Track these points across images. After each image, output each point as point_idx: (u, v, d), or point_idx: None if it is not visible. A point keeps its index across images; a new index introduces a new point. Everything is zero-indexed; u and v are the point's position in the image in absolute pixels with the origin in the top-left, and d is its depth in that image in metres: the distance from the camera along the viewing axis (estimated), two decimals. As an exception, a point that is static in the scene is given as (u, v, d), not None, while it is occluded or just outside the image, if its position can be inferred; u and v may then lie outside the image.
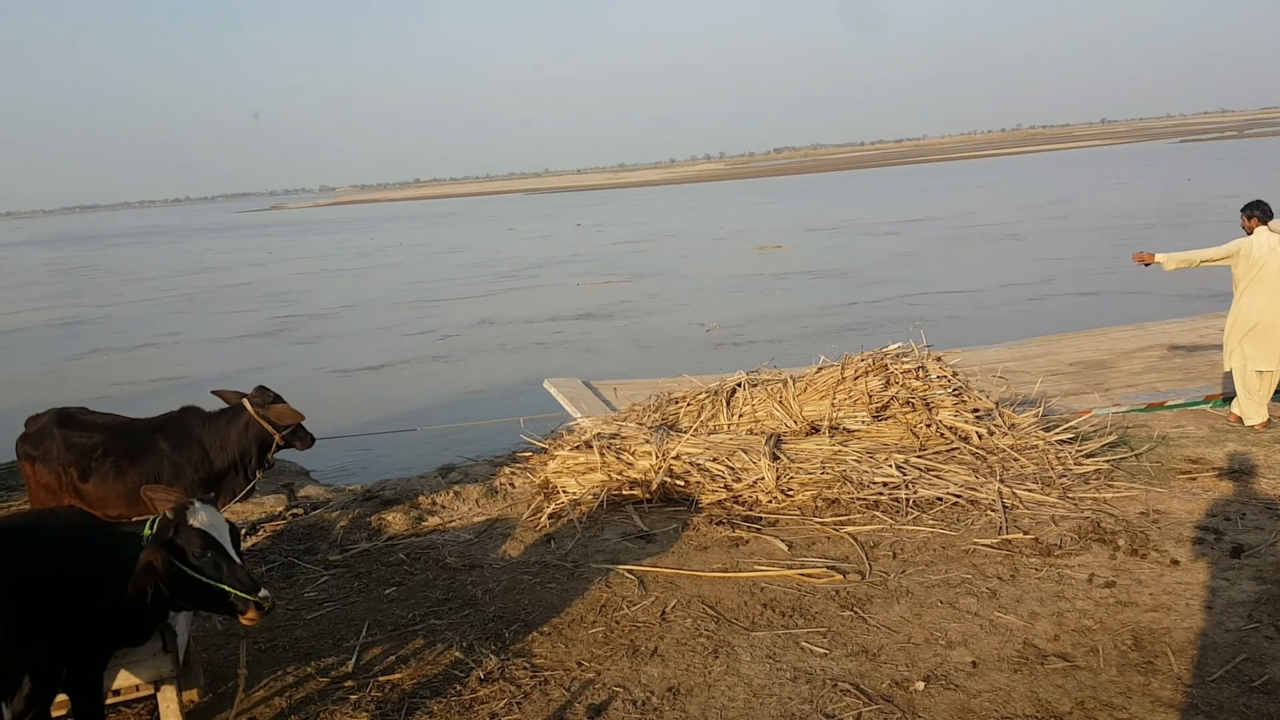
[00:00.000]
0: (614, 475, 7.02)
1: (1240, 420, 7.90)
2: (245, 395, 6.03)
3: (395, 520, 6.94)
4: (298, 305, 28.38)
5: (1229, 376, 8.07)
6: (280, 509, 7.52)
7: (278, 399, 6.03)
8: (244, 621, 3.54)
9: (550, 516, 6.71)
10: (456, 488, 7.60)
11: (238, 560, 3.56)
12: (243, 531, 6.90)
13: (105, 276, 45.50)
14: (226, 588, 3.46)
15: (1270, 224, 7.77)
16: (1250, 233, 7.78)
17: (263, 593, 3.52)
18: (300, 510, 7.46)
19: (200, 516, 3.50)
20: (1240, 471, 6.69)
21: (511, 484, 7.57)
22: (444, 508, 7.23)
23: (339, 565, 6.20)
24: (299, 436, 6.12)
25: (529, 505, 7.02)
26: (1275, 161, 55.59)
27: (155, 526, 3.49)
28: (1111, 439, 7.33)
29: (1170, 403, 8.77)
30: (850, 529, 6.09)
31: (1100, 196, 43.24)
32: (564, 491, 7.02)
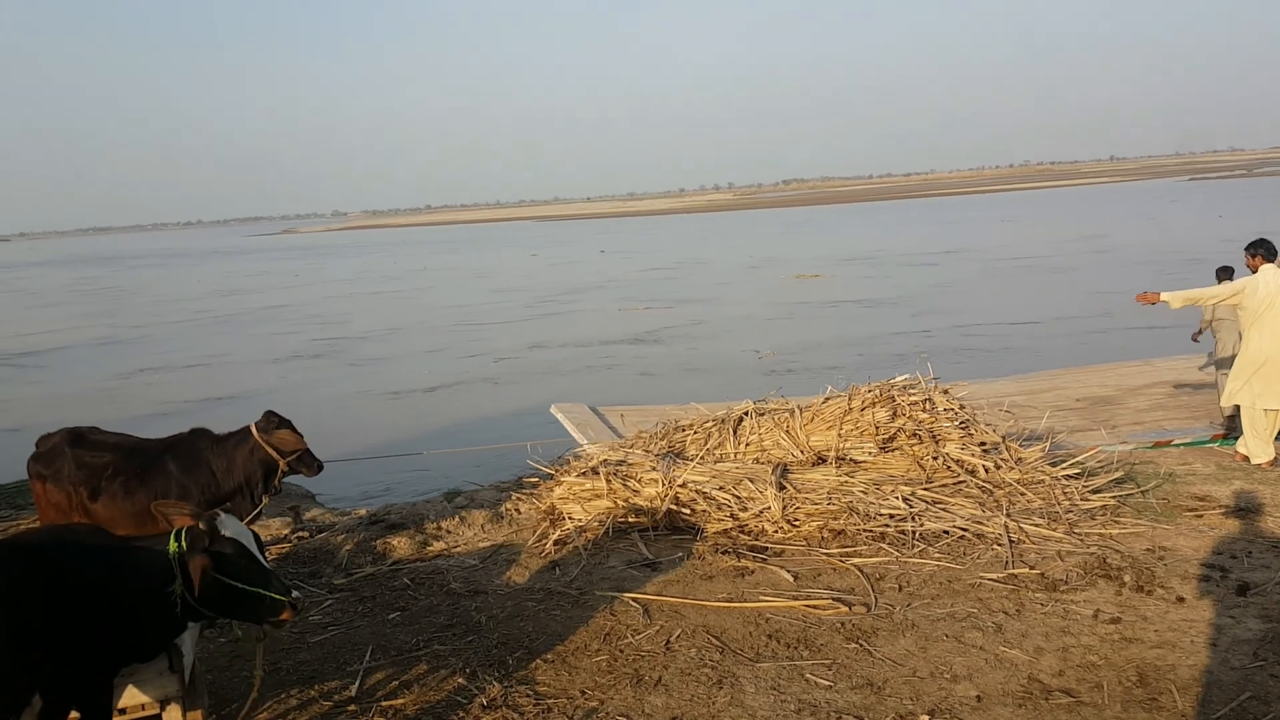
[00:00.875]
0: (620, 502, 7.03)
1: (1247, 459, 7.89)
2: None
3: (400, 545, 6.95)
4: (341, 328, 28.33)
5: (1233, 414, 8.08)
6: (286, 532, 7.54)
7: (283, 425, 6.02)
8: (277, 624, 3.65)
9: (556, 543, 6.71)
10: (462, 513, 7.62)
11: (266, 564, 3.67)
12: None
13: (134, 297, 45.63)
14: (263, 592, 3.57)
15: (1278, 262, 7.81)
16: (1255, 271, 7.81)
17: (295, 594, 3.66)
18: (306, 533, 7.48)
19: (229, 526, 3.61)
20: (1247, 510, 6.67)
21: (517, 509, 7.58)
22: (449, 533, 7.24)
23: (344, 589, 6.21)
24: (305, 463, 6.09)
25: (534, 531, 7.03)
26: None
27: (185, 538, 3.54)
28: (1118, 475, 7.32)
29: (1177, 441, 8.76)
30: (856, 561, 6.08)
31: (1137, 232, 42.98)
32: (570, 518, 7.03)
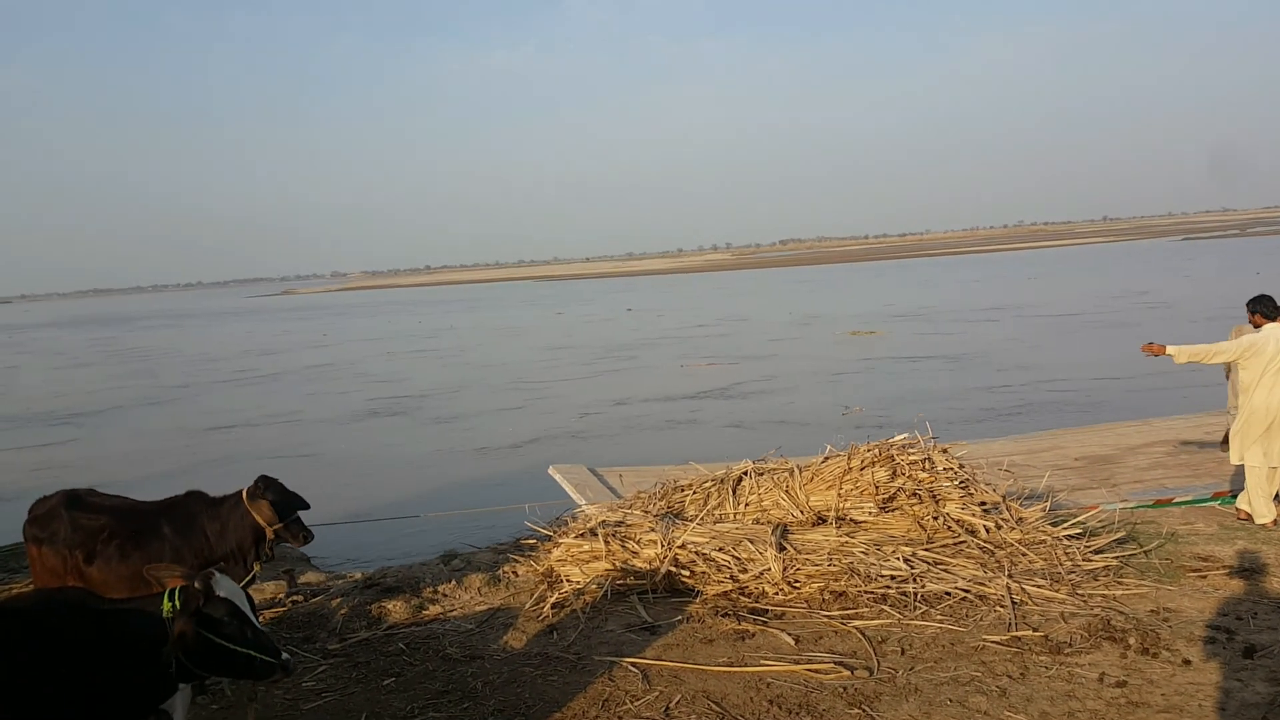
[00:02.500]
0: (618, 564, 6.96)
1: (1248, 517, 7.85)
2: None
3: (396, 609, 6.87)
4: (399, 385, 27.94)
5: (1238, 471, 8.05)
6: (280, 595, 7.46)
7: (271, 489, 5.82)
8: (266, 685, 3.63)
9: (553, 606, 6.63)
10: (459, 576, 7.54)
11: (259, 625, 3.65)
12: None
13: (165, 357, 45.31)
14: (254, 653, 3.56)
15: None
16: (1258, 328, 7.84)
17: (285, 655, 3.65)
18: (300, 597, 7.39)
19: (224, 586, 3.61)
20: (1251, 570, 6.61)
21: (515, 572, 7.50)
22: (445, 596, 7.16)
23: (338, 654, 6.12)
24: (292, 533, 5.86)
25: (532, 594, 6.95)
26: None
27: (179, 598, 3.51)
28: (1120, 535, 7.27)
29: (1178, 499, 8.71)
30: (858, 623, 6.01)
31: (1174, 288, 42.58)
32: (568, 580, 6.96)
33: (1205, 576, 6.57)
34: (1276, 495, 7.86)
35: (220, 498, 5.92)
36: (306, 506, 6.03)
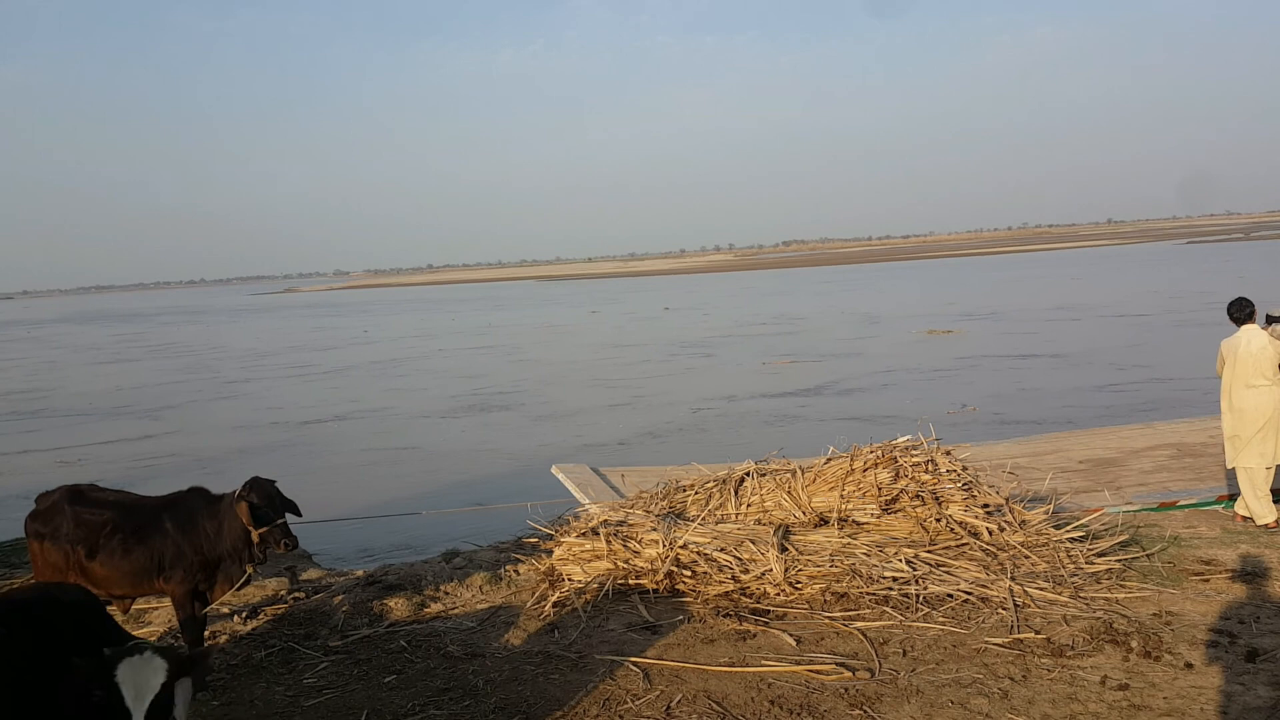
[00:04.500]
0: (620, 564, 6.96)
1: (1247, 519, 7.85)
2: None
3: (397, 606, 6.87)
4: (477, 382, 27.14)
5: (1233, 475, 8.07)
6: (282, 592, 7.46)
7: (249, 496, 5.68)
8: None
9: (554, 605, 6.63)
10: (461, 574, 7.54)
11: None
12: (243, 615, 6.84)
13: (211, 352, 44.24)
14: None
15: (1276, 328, 7.87)
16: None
17: None
18: (302, 594, 7.40)
19: (123, 670, 3.15)
20: (1253, 574, 6.60)
21: (516, 571, 7.50)
22: (447, 594, 7.16)
23: (339, 651, 6.12)
24: (273, 538, 5.72)
25: (533, 593, 6.95)
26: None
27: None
28: (1123, 538, 7.25)
29: (1182, 503, 8.70)
30: (860, 624, 6.00)
31: (1230, 288, 41.64)
32: (569, 579, 6.96)
33: (1208, 580, 6.55)
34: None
35: (219, 495, 5.87)
36: (297, 513, 5.92)
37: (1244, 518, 7.91)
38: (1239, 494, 8.00)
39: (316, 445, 19.01)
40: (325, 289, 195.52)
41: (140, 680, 3.12)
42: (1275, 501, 7.91)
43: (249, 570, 5.86)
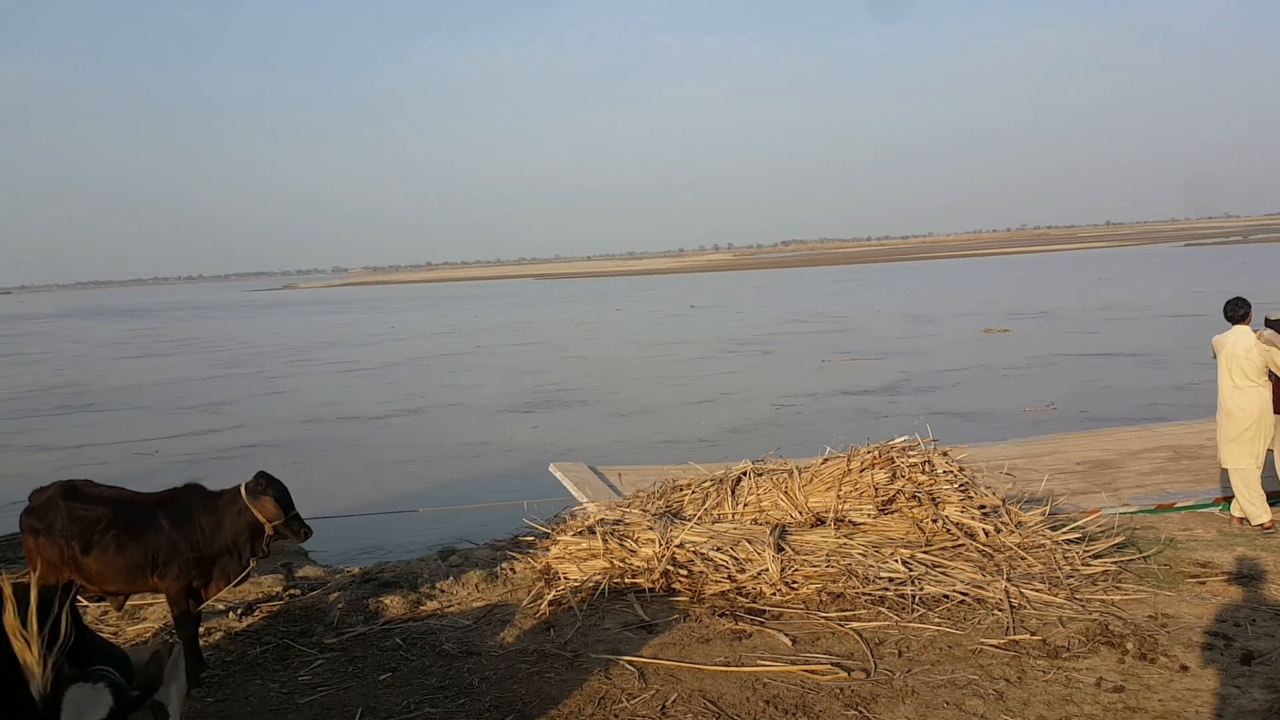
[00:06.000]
0: (616, 563, 6.96)
1: (1243, 520, 7.86)
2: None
3: (393, 604, 6.87)
4: (536, 378, 26.89)
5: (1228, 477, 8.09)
6: (278, 589, 7.45)
7: (272, 486, 5.78)
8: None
9: (550, 603, 6.63)
10: (456, 572, 7.53)
11: None
12: (239, 612, 6.83)
13: (241, 348, 43.79)
14: None
15: (1264, 331, 7.86)
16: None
17: None
18: (297, 591, 7.39)
19: (71, 693, 3.06)
20: (1249, 576, 6.60)
21: (513, 569, 7.50)
22: (443, 592, 7.16)
23: (334, 648, 6.11)
24: (292, 529, 5.81)
25: (529, 591, 6.94)
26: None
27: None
28: (1119, 540, 7.26)
29: (1179, 504, 8.70)
30: (855, 625, 6.00)
31: (1272, 289, 40.24)
32: (565, 578, 6.95)
33: (1204, 582, 6.55)
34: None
35: (217, 492, 5.88)
36: (281, 519, 5.94)
37: (1240, 519, 7.92)
38: (1235, 496, 8.01)
39: (400, 438, 19.19)
40: (324, 285, 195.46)
41: (81, 711, 3.06)
42: (1272, 504, 7.93)
43: (251, 563, 5.88)
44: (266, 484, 5.77)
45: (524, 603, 6.77)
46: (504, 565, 7.58)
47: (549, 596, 6.71)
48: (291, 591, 7.35)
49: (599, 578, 6.84)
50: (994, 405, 18.82)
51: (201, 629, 6.20)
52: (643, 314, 52.05)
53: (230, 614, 6.84)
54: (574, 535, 7.29)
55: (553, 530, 7.68)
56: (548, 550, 7.39)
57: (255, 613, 6.87)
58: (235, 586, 6.10)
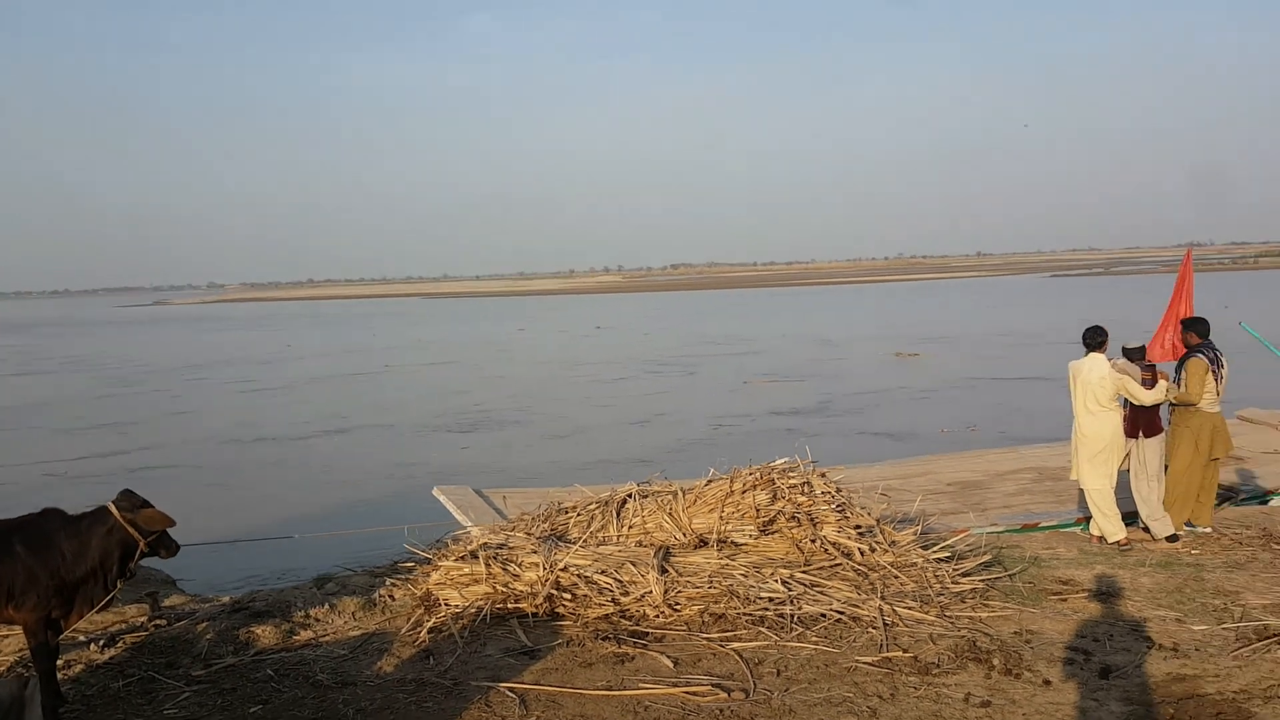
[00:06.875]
0: (499, 587, 6.87)
1: (1101, 539, 8.25)
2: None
3: (265, 634, 6.63)
4: (462, 399, 26.52)
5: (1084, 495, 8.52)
6: (142, 619, 7.12)
7: (146, 503, 5.67)
8: None
9: (430, 631, 6.50)
10: (332, 600, 7.32)
11: None
12: (100, 643, 6.49)
13: (130, 366, 41.89)
14: None
15: (1118, 360, 8.28)
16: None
17: None
18: (163, 621, 7.07)
19: None
20: (1108, 593, 6.94)
21: (391, 596, 7.33)
22: (318, 620, 6.94)
23: (202, 681, 5.86)
24: (164, 544, 5.71)
25: (409, 619, 6.79)
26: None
27: None
28: (987, 559, 7.53)
29: (1043, 524, 9.09)
30: (736, 645, 6.06)
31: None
32: (446, 604, 6.83)
33: (1065, 599, 6.85)
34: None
35: (79, 515, 5.63)
36: (173, 522, 5.80)
37: (1099, 538, 8.31)
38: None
39: (335, 458, 18.79)
40: (200, 301, 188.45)
41: None
42: (1127, 523, 8.36)
43: (119, 585, 5.63)
44: (142, 499, 5.63)
45: (403, 630, 6.62)
46: (382, 592, 7.41)
47: (429, 624, 6.57)
48: (157, 622, 7.03)
49: (481, 603, 6.74)
50: (917, 425, 19.62)
51: (60, 661, 5.87)
52: (549, 334, 52.17)
53: (91, 645, 6.49)
54: (456, 560, 7.17)
55: (434, 555, 7.54)
56: (429, 576, 7.24)
57: (118, 644, 6.54)
58: (98, 612, 5.81)
